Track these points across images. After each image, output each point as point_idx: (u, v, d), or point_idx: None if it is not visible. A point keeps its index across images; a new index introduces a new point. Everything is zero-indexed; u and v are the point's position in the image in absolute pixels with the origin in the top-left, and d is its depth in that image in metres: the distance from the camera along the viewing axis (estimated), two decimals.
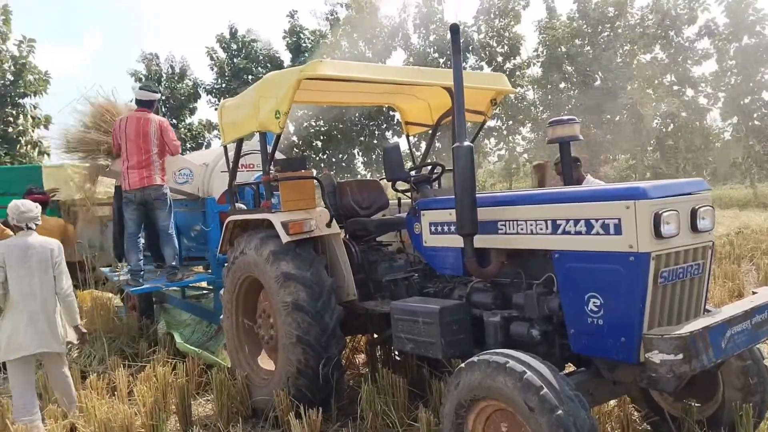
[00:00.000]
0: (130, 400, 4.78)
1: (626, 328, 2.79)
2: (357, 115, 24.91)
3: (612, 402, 3.75)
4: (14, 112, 16.64)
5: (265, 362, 4.79)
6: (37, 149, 16.94)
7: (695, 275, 2.96)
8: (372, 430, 4.01)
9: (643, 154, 24.36)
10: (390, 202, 5.40)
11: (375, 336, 5.22)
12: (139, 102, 6.51)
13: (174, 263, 6.47)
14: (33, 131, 17.09)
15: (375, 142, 25.49)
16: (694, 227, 2.86)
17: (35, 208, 4.75)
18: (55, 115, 19.58)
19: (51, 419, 4.39)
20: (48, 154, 16.92)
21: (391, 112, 24.68)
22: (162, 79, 25.44)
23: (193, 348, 5.90)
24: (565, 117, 3.94)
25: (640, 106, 21.93)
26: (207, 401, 5.02)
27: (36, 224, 4.74)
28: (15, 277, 4.57)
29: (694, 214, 2.85)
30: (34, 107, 16.96)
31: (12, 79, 16.34)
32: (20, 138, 16.76)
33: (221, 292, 5.12)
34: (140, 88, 6.70)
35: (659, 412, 3.57)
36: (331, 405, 4.30)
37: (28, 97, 16.71)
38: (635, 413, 3.74)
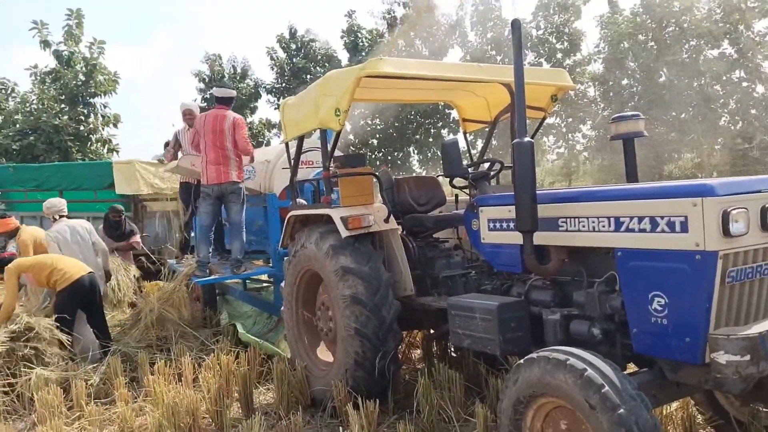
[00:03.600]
0: (195, 386, 4.96)
1: (691, 328, 2.73)
2: (413, 113, 24.93)
3: (675, 404, 3.67)
4: (85, 111, 17.45)
5: (324, 354, 4.90)
6: (107, 146, 17.71)
7: (765, 275, 2.86)
8: (428, 423, 4.04)
9: (711, 152, 23.45)
10: (447, 198, 5.42)
11: (431, 331, 5.25)
12: (217, 99, 6.72)
13: (239, 256, 6.66)
14: (103, 129, 17.87)
15: (431, 140, 25.46)
16: (764, 226, 2.76)
17: (58, 203, 6.91)
18: (124, 114, 20.40)
19: (122, 402, 4.61)
20: (117, 152, 17.67)
21: (447, 110, 24.59)
22: (224, 80, 26.12)
23: (254, 338, 6.08)
24: (629, 113, 3.87)
25: (707, 102, 21.13)
26: (268, 390, 5.17)
27: (63, 214, 6.83)
28: (67, 253, 6.32)
29: (764, 212, 2.75)
30: (104, 106, 17.76)
31: (83, 79, 17.11)
32: (91, 136, 17.56)
33: (282, 284, 5.26)
34: (217, 86, 6.94)
35: (724, 416, 3.47)
36: (388, 397, 4.36)
37: (99, 96, 17.48)
38: (699, 416, 3.65)
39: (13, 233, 7.08)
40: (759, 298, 2.87)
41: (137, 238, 8.51)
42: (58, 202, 6.91)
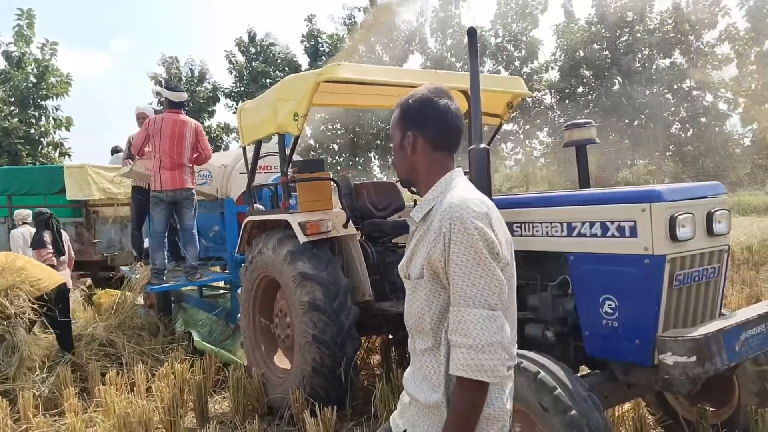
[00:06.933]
0: (148, 396, 4.85)
1: (640, 330, 2.80)
2: (373, 118, 25.00)
3: (626, 405, 3.75)
4: (37, 113, 16.93)
5: (281, 361, 4.84)
6: (58, 150, 17.22)
7: (711, 278, 2.96)
8: None
9: (662, 159, 24.15)
10: (406, 204, 5.44)
11: (390, 336, 5.25)
12: (171, 103, 6.50)
13: (194, 263, 6.54)
14: (55, 133, 17.37)
15: (391, 145, 25.55)
16: (709, 230, 2.86)
17: (27, 212, 8.00)
18: (78, 118, 19.85)
19: (71, 413, 4.48)
20: (69, 155, 17.20)
21: None
22: (181, 83, 25.74)
23: (210, 346, 5.98)
24: (582, 120, 3.95)
25: (659, 110, 21.78)
26: (223, 398, 5.09)
27: (27, 222, 7.93)
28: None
29: (710, 217, 2.86)
30: (56, 109, 17.26)
31: (35, 81, 16.62)
32: (42, 139, 17.04)
33: (239, 291, 5.18)
34: (169, 89, 6.64)
35: (674, 416, 3.56)
36: (346, 404, 4.34)
37: (51, 99, 16.99)
38: (649, 417, 3.73)
39: None
40: (705, 301, 2.97)
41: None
42: (27, 212, 8.11)
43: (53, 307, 5.68)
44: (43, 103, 16.93)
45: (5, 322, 5.37)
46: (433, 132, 1.76)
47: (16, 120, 16.32)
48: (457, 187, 1.69)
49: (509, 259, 1.67)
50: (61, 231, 7.61)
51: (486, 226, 1.57)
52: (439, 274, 1.63)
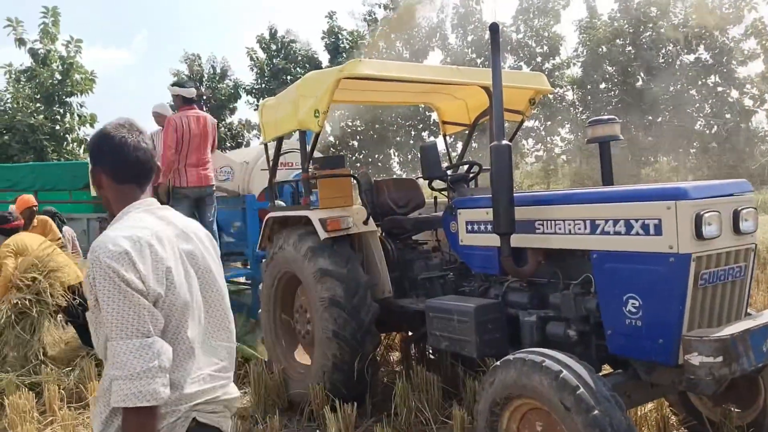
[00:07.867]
0: None
1: (665, 329, 2.76)
2: (393, 115, 24.96)
3: (649, 405, 3.71)
4: (61, 110, 17.16)
5: (302, 356, 4.87)
6: (83, 147, 17.45)
7: (737, 278, 2.91)
8: (405, 426, 4.04)
9: (686, 156, 23.80)
10: (426, 201, 5.43)
11: (409, 333, 5.25)
12: (185, 100, 6.55)
13: None
14: (79, 129, 17.60)
15: (411, 142, 25.51)
16: (736, 229, 2.81)
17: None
18: (101, 114, 20.10)
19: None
20: None
21: (428, 113, 24.67)
22: (203, 80, 25.93)
23: None
24: (605, 117, 3.91)
25: (683, 107, 21.45)
26: (244, 393, 5.11)
27: None
28: None
29: (736, 215, 2.80)
30: (81, 106, 17.48)
31: (60, 78, 16.84)
32: (67, 135, 17.28)
33: (260, 287, 5.21)
34: (182, 86, 6.68)
35: (698, 417, 3.51)
36: (366, 400, 4.35)
37: (75, 96, 17.21)
38: (673, 417, 3.68)
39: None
40: (731, 301, 2.92)
41: None
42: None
43: (71, 301, 5.78)
44: (67, 99, 17.15)
45: (37, 305, 5.47)
46: (111, 166, 1.80)
47: (41, 116, 16.57)
48: (118, 224, 1.73)
49: (162, 291, 1.65)
50: (62, 229, 7.76)
51: (120, 265, 1.57)
52: (94, 308, 1.66)
